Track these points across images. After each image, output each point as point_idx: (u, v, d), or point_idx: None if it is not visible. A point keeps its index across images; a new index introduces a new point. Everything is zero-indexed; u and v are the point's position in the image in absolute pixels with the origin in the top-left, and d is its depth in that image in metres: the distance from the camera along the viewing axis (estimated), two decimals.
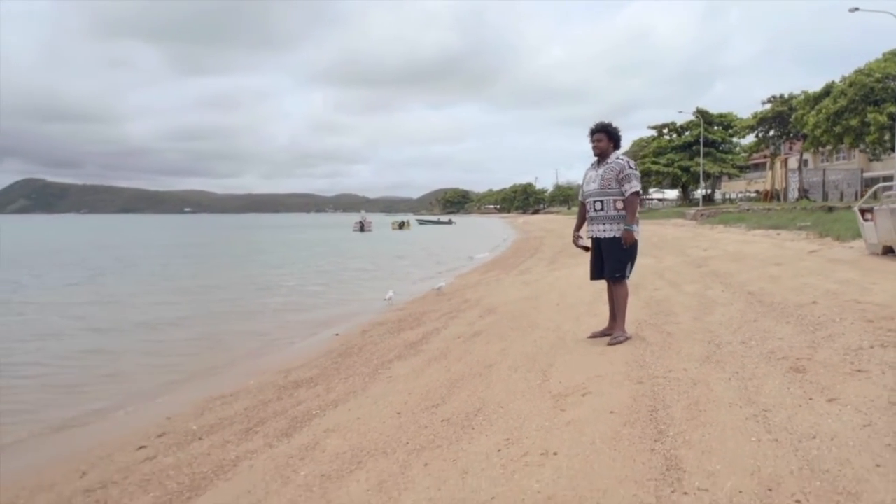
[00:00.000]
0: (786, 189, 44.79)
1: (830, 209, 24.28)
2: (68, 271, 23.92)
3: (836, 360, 4.54)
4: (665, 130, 63.96)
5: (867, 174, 42.71)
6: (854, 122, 31.71)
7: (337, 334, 9.77)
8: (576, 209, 6.27)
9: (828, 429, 3.25)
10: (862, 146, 36.15)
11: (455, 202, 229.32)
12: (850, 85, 32.31)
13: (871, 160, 43.85)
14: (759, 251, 14.28)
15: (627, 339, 5.86)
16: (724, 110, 59.48)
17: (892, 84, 31.09)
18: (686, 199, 64.33)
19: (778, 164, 45.97)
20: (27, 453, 5.29)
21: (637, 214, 5.78)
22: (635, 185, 5.70)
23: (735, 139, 57.79)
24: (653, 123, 65.20)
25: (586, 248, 6.08)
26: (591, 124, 6.03)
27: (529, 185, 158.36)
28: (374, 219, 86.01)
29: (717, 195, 66.93)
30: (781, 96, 44.64)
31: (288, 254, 33.83)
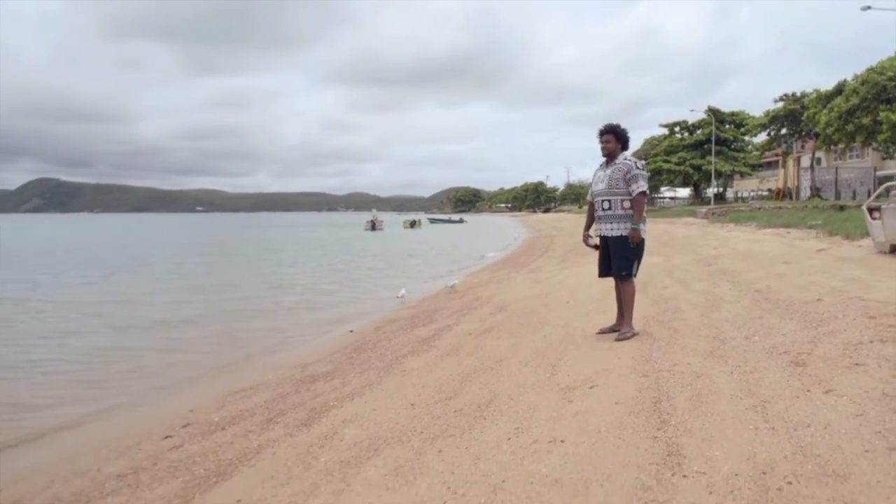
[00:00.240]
0: (798, 188, 44.72)
1: (842, 208, 24.29)
2: (84, 270, 24.27)
3: (836, 354, 4.70)
4: (676, 129, 63.88)
5: (880, 172, 42.46)
6: (866, 120, 31.62)
7: (351, 331, 9.98)
8: (586, 207, 6.46)
9: (822, 418, 3.42)
10: (875, 144, 36.03)
11: (466, 201, 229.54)
12: (863, 83, 32.22)
13: (884, 158, 43.68)
14: (769, 250, 14.39)
15: (635, 334, 6.03)
16: (736, 108, 59.35)
17: None
18: (698, 197, 64.25)
19: (790, 163, 45.91)
20: (57, 444, 5.52)
21: (644, 213, 5.94)
22: (642, 186, 5.86)
23: (747, 138, 57.65)
24: (664, 122, 65.18)
25: (596, 247, 6.26)
26: (601, 125, 6.20)
27: (541, 183, 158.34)
28: (386, 218, 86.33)
29: (729, 194, 66.78)
30: (794, 94, 44.54)
31: (300, 253, 34.11)
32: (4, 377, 8.06)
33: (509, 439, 3.69)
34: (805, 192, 43.99)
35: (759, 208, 33.97)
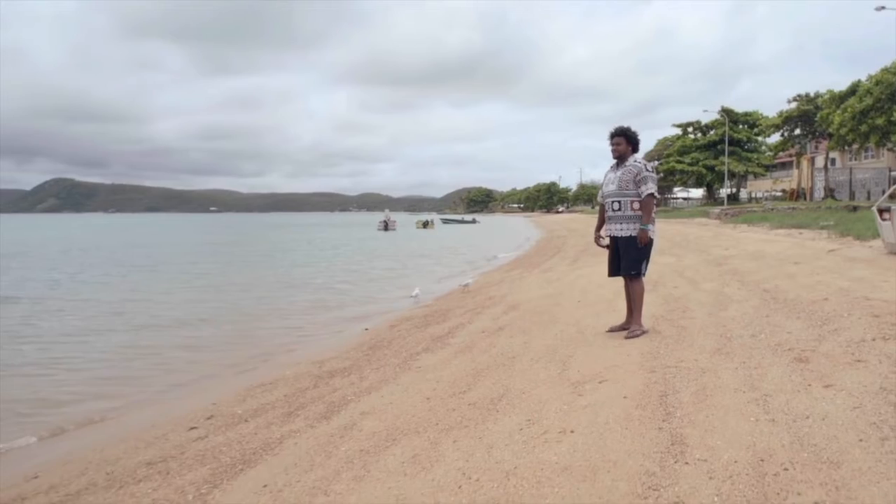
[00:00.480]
0: (812, 188, 44.61)
1: (855, 208, 24.30)
2: (101, 269, 24.62)
3: (838, 351, 4.85)
4: (690, 129, 63.82)
5: (895, 173, 42.40)
6: (880, 120, 31.58)
7: (366, 329, 10.18)
8: (598, 208, 6.64)
9: (821, 410, 3.57)
10: (889, 145, 35.95)
11: (479, 201, 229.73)
12: (877, 83, 32.18)
13: None
14: (780, 250, 14.48)
15: (644, 332, 6.19)
16: (750, 108, 59.27)
17: None
18: (711, 198, 64.15)
19: (804, 163, 45.80)
20: (85, 436, 5.74)
21: (653, 215, 6.10)
22: (651, 188, 6.02)
23: (760, 138, 57.53)
24: (678, 122, 65.13)
25: (608, 248, 6.42)
26: (613, 126, 6.37)
27: (553, 184, 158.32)
28: (398, 218, 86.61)
29: (743, 194, 66.64)
30: (807, 95, 44.47)
31: (314, 252, 34.37)
32: (30, 374, 8.30)
33: (521, 430, 3.87)
34: (819, 192, 43.88)
35: (772, 209, 33.97)
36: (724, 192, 59.54)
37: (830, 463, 2.90)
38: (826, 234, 17.71)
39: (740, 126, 58.03)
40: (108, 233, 71.51)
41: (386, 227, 65.26)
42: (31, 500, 4.00)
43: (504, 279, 15.66)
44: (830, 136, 38.97)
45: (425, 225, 73.74)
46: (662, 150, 68.99)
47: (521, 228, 63.09)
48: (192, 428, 5.23)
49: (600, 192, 6.49)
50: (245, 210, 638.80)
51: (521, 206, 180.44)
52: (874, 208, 12.57)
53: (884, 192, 35.66)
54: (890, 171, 42.11)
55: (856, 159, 51.09)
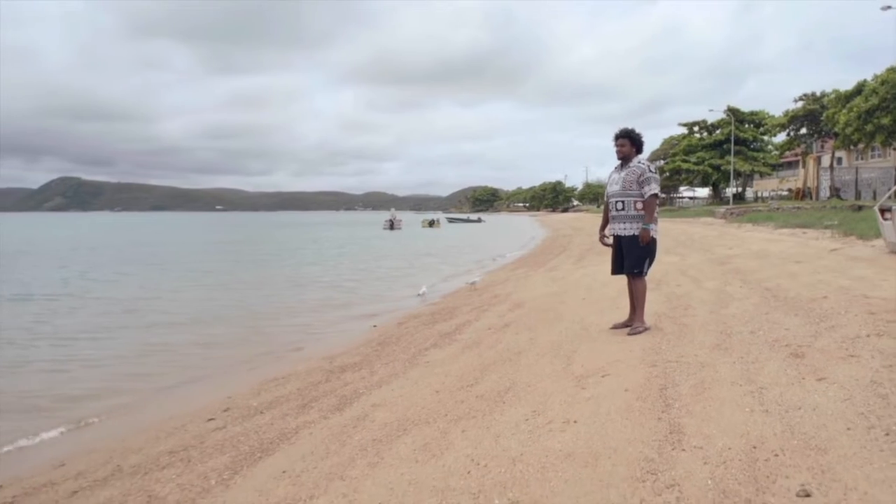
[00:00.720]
0: (817, 187, 44.66)
1: (860, 208, 24.39)
2: (110, 268, 24.89)
3: (833, 347, 5.01)
4: (696, 128, 63.85)
5: None
6: (886, 120, 31.62)
7: (375, 326, 10.39)
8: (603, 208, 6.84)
9: (812, 402, 3.75)
10: (895, 144, 35.96)
11: (484, 200, 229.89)
12: (882, 83, 32.21)
13: None
14: (783, 249, 14.62)
15: (646, 329, 6.36)
16: (756, 107, 59.28)
17: None
18: (717, 197, 64.18)
19: (810, 163, 45.85)
20: (106, 428, 5.95)
21: (656, 214, 6.27)
22: (654, 188, 6.19)
23: (766, 137, 57.54)
24: (684, 121, 65.16)
25: (611, 246, 6.60)
26: (618, 128, 6.55)
27: (559, 182, 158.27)
28: (404, 217, 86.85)
29: (749, 193, 66.65)
30: (813, 94, 44.48)
31: (321, 251, 34.62)
32: (48, 370, 8.52)
33: (527, 420, 4.05)
34: (825, 192, 43.92)
35: (778, 208, 34.06)
36: (729, 191, 59.59)
37: (818, 449, 3.08)
38: (829, 234, 17.83)
39: (746, 125, 58.06)
40: (115, 231, 71.94)
41: (392, 226, 65.48)
42: (60, 485, 4.21)
43: (510, 277, 15.84)
44: (836, 135, 39.01)
45: (431, 224, 73.95)
46: (668, 149, 69.03)
47: (527, 227, 63.25)
48: (210, 419, 5.44)
49: (605, 192, 6.67)
50: (251, 209, 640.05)
51: (527, 205, 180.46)
52: (876, 208, 12.71)
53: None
54: None
55: (862, 158, 51.08)
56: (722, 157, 57.06)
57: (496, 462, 3.42)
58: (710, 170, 58.50)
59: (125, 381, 7.90)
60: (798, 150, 51.04)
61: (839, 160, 50.62)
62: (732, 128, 54.86)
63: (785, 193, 57.20)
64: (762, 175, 61.15)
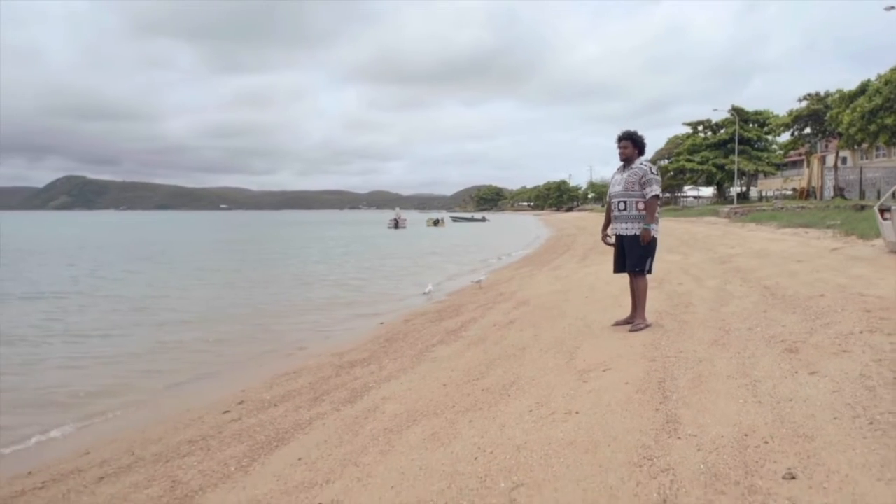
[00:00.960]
0: (822, 187, 44.71)
1: (862, 207, 24.49)
2: (118, 266, 25.14)
3: (827, 342, 5.19)
4: (700, 128, 63.91)
5: None
6: (889, 120, 31.71)
7: (382, 323, 10.59)
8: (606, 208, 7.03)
9: (803, 394, 3.93)
10: None
11: (489, 199, 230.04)
12: (886, 83, 32.31)
13: None
14: (784, 249, 14.78)
15: (647, 326, 6.55)
16: (761, 107, 59.27)
17: None
18: (721, 196, 64.24)
19: (815, 162, 45.89)
20: (126, 420, 6.16)
21: (657, 214, 6.45)
22: (655, 189, 6.37)
23: (770, 137, 57.59)
24: (688, 120, 65.23)
25: (613, 245, 6.78)
26: (621, 130, 6.73)
27: (563, 182, 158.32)
28: (408, 216, 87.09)
29: (753, 192, 66.67)
30: (817, 94, 44.56)
31: (326, 250, 34.84)
32: (63, 366, 8.71)
33: (531, 411, 4.25)
34: (829, 191, 44.00)
35: (781, 208, 34.16)
36: (734, 190, 59.66)
37: (805, 437, 3.26)
38: (831, 234, 17.98)
39: (750, 125, 58.11)
40: (120, 230, 72.30)
41: (396, 225, 65.69)
42: (87, 472, 4.42)
43: (514, 276, 16.03)
44: (840, 135, 39.09)
45: (436, 223, 74.17)
46: (672, 149, 69.10)
47: (531, 227, 63.42)
48: (226, 412, 5.64)
49: (608, 193, 6.85)
50: (255, 208, 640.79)
51: (531, 204, 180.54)
52: (875, 208, 12.86)
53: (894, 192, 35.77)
54: None
55: (867, 158, 51.10)
56: (726, 157, 57.11)
57: (501, 449, 3.61)
58: (714, 169, 58.56)
59: (139, 376, 8.10)
60: (802, 150, 51.08)
61: (844, 160, 50.69)
62: (737, 127, 54.93)
63: (789, 193, 57.21)
64: (766, 174, 61.18)
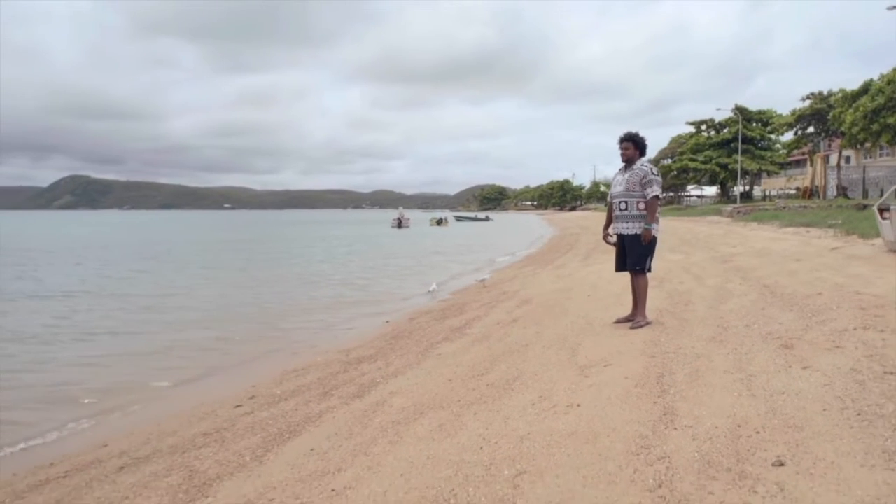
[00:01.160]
0: (825, 186, 44.78)
1: (864, 207, 24.60)
2: (125, 265, 25.35)
3: (822, 339, 5.36)
4: (703, 127, 64.00)
5: None
6: (892, 119, 31.80)
7: (387, 321, 10.76)
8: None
9: (795, 387, 4.09)
10: None
11: (492, 198, 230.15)
12: (889, 82, 32.39)
13: None
14: (785, 248, 14.93)
15: (648, 323, 6.71)
16: (766, 106, 59.50)
17: None
18: (724, 195, 64.32)
19: (818, 162, 45.94)
20: (141, 414, 6.34)
21: (657, 214, 6.61)
22: (656, 190, 6.53)
23: (774, 136, 57.67)
24: (692, 119, 65.31)
25: (614, 245, 6.94)
26: (622, 132, 6.89)
27: (567, 181, 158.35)
28: (412, 215, 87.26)
29: (757, 192, 66.75)
30: (820, 93, 44.63)
31: (330, 249, 35.02)
32: (76, 364, 8.87)
33: (533, 405, 4.41)
34: (832, 190, 44.07)
35: (784, 207, 34.27)
36: (737, 189, 59.75)
37: (795, 427, 3.42)
38: (832, 233, 18.11)
39: (754, 124, 58.21)
40: (125, 229, 72.61)
41: (400, 224, 65.86)
42: (107, 462, 4.60)
43: (518, 275, 16.19)
44: (843, 134, 39.16)
45: (439, 222, 74.35)
46: (676, 148, 69.17)
47: (535, 226, 63.57)
48: (238, 406, 5.82)
49: (609, 193, 7.01)
50: (259, 207, 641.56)
51: (535, 203, 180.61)
52: (874, 207, 12.99)
53: None
54: None
55: (870, 157, 51.12)
56: (729, 156, 57.22)
57: (506, 440, 3.77)
58: (717, 168, 58.67)
59: (150, 373, 8.25)
60: (805, 149, 51.16)
61: (847, 159, 50.71)
62: (740, 126, 55.02)
63: (793, 192, 57.27)
64: (770, 174, 61.26)
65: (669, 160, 68.16)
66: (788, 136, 52.81)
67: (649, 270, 6.74)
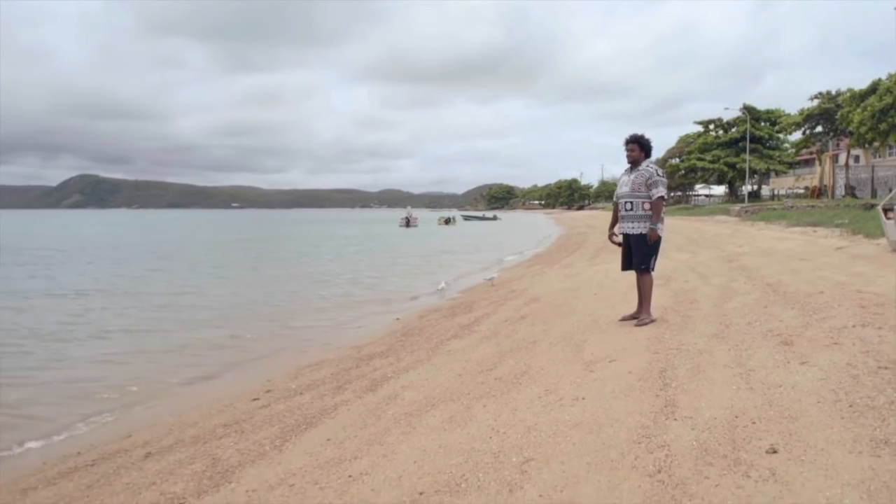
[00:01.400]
0: (833, 186, 44.74)
1: (871, 206, 24.65)
2: (137, 264, 25.64)
3: (821, 336, 5.51)
4: (711, 126, 63.97)
5: None
6: None
7: (397, 319, 10.97)
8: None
9: (792, 381, 4.26)
10: None
11: (500, 198, 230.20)
12: None
13: None
14: (790, 247, 15.04)
15: (652, 321, 6.87)
16: (774, 105, 59.31)
17: None
18: (733, 195, 64.28)
19: (826, 161, 45.90)
20: (160, 408, 6.56)
21: (662, 214, 6.77)
22: (661, 191, 6.69)
23: (782, 135, 57.60)
24: (700, 118, 65.28)
25: (619, 244, 7.11)
26: (628, 134, 7.05)
27: (574, 180, 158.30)
28: (420, 214, 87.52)
29: (765, 191, 66.66)
30: (828, 93, 44.59)
31: (339, 249, 35.26)
32: (93, 360, 9.11)
33: (540, 398, 4.59)
34: (840, 190, 44.04)
35: (792, 207, 34.31)
36: (745, 189, 59.71)
37: (790, 418, 3.60)
38: (839, 232, 18.21)
39: (762, 123, 58.15)
40: (135, 229, 73.07)
41: (408, 223, 66.10)
42: (132, 451, 4.81)
43: (526, 274, 16.37)
44: (851, 134, 39.13)
45: (447, 222, 74.55)
46: (684, 147, 69.16)
47: (542, 225, 63.69)
48: (255, 399, 6.03)
49: (615, 193, 7.18)
50: (266, 206, 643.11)
51: (543, 202, 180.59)
52: (879, 207, 13.11)
53: None
54: None
55: (880, 156, 51.01)
56: (737, 156, 57.19)
57: (514, 430, 3.96)
58: (725, 168, 58.63)
59: (167, 370, 8.46)
60: (813, 149, 51.09)
61: (856, 158, 50.63)
62: (748, 126, 55.00)
63: (801, 192, 57.19)
64: (778, 173, 61.19)
65: (677, 159, 68.17)
66: (797, 136, 52.75)
67: (652, 269, 6.90)
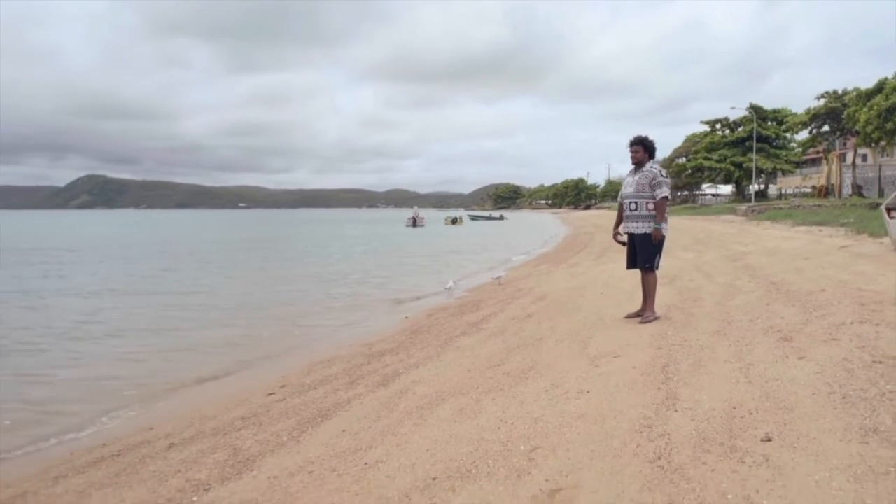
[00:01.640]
0: (840, 185, 44.76)
1: (878, 205, 24.72)
2: (147, 264, 25.90)
3: (820, 332, 5.67)
4: (718, 126, 64.00)
5: None
6: None
7: (406, 317, 11.16)
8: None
9: (790, 375, 4.43)
10: None
11: (506, 197, 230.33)
12: None
13: None
14: (795, 247, 15.17)
15: (656, 318, 7.05)
16: (781, 103, 59.35)
17: None
18: (739, 194, 64.29)
19: (833, 160, 45.91)
20: (179, 402, 6.76)
21: (666, 214, 6.94)
22: (665, 191, 6.87)
23: (789, 135, 57.59)
24: (707, 117, 65.31)
25: (624, 244, 7.29)
26: (632, 136, 7.23)
27: (581, 180, 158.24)
28: (426, 214, 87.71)
29: (772, 190, 66.64)
30: (835, 92, 44.60)
31: (347, 248, 35.47)
32: (111, 358, 9.30)
33: (547, 391, 4.78)
34: (847, 189, 44.06)
35: (798, 206, 34.38)
36: (752, 188, 59.74)
37: (785, 409, 3.77)
38: (844, 231, 18.32)
39: (769, 123, 58.18)
40: (143, 229, 73.49)
41: (415, 223, 66.28)
42: (155, 442, 5.01)
43: (532, 273, 16.54)
44: (857, 133, 39.14)
45: (454, 221, 74.74)
46: (690, 147, 69.19)
47: (549, 225, 63.82)
48: (270, 394, 6.23)
49: (620, 194, 7.36)
50: (273, 206, 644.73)
51: (549, 202, 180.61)
52: (882, 206, 13.23)
53: None
54: None
55: (887, 155, 50.95)
56: (744, 155, 57.23)
57: (521, 421, 4.14)
58: (732, 167, 58.67)
59: (183, 366, 8.65)
60: (820, 148, 51.09)
61: (864, 157, 50.60)
62: (755, 125, 55.03)
63: (808, 191, 57.19)
64: (785, 172, 61.18)
65: (684, 159, 68.20)
66: (803, 135, 52.74)
67: (656, 268, 7.07)
